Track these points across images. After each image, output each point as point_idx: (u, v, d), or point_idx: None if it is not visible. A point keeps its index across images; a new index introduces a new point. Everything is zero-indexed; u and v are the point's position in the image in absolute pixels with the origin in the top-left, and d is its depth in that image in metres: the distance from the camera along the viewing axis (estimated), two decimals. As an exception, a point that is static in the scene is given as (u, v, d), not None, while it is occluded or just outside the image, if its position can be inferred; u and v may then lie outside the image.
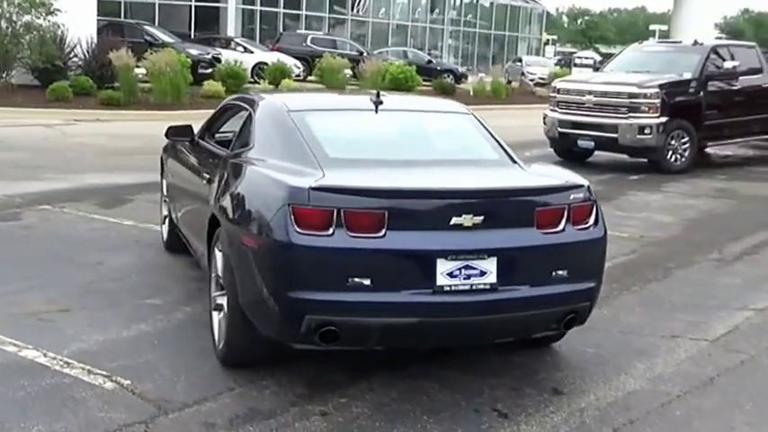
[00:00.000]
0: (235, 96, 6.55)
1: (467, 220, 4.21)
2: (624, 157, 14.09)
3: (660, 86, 13.42)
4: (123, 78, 20.51)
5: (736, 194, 12.10)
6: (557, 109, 14.24)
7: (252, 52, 30.47)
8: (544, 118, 14.50)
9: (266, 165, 4.71)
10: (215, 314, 5.02)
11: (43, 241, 7.66)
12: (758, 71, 15.43)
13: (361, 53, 34.56)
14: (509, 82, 36.21)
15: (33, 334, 5.22)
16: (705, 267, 7.70)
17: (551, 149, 14.59)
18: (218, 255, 4.88)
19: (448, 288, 4.19)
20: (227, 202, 4.74)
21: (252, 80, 26.49)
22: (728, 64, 14.44)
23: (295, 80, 27.37)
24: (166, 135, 6.56)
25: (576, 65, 37.18)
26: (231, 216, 4.62)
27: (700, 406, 4.60)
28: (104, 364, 4.77)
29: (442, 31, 53.83)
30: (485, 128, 5.47)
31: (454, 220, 4.20)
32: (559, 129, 14.05)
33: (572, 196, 4.53)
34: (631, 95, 13.36)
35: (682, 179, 12.98)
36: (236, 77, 24.54)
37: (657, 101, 13.26)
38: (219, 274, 4.86)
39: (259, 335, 4.54)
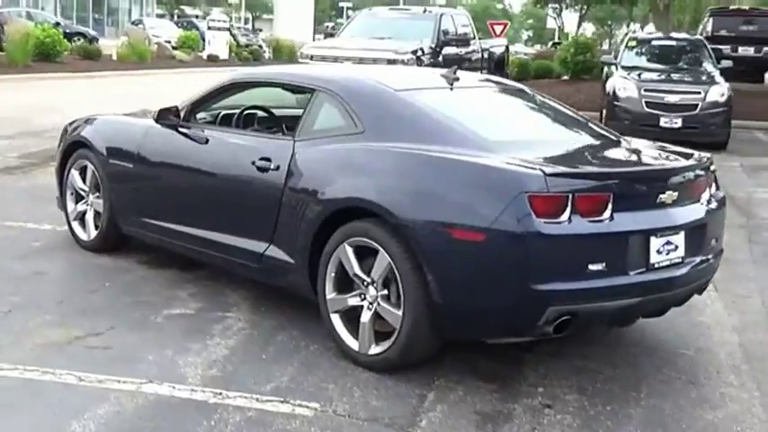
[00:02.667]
0: (250, 74, 5.88)
1: (669, 197, 4.32)
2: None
3: (413, 52, 14.04)
4: None
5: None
6: (311, 75, 14.23)
7: None
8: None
9: (432, 151, 4.36)
10: (336, 317, 4.60)
11: None
12: (473, 38, 16.72)
13: (-15, 13, 31.19)
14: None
15: (115, 365, 4.37)
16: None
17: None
18: (349, 251, 4.45)
19: (657, 265, 4.28)
20: (394, 194, 4.27)
21: None
22: (460, 30, 15.47)
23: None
24: (157, 120, 5.67)
25: (210, 28, 37.09)
26: (417, 210, 4.18)
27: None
28: (257, 389, 4.17)
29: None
30: (553, 102, 5.54)
31: (660, 198, 4.29)
32: (316, 95, 14.08)
33: (712, 168, 4.81)
34: (389, 61, 13.82)
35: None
36: None
37: (413, 66, 13.85)
38: (358, 272, 4.44)
39: (436, 334, 4.27)
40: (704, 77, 15.26)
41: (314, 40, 55.03)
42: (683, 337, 5.20)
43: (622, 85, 14.25)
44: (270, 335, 4.92)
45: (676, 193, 4.36)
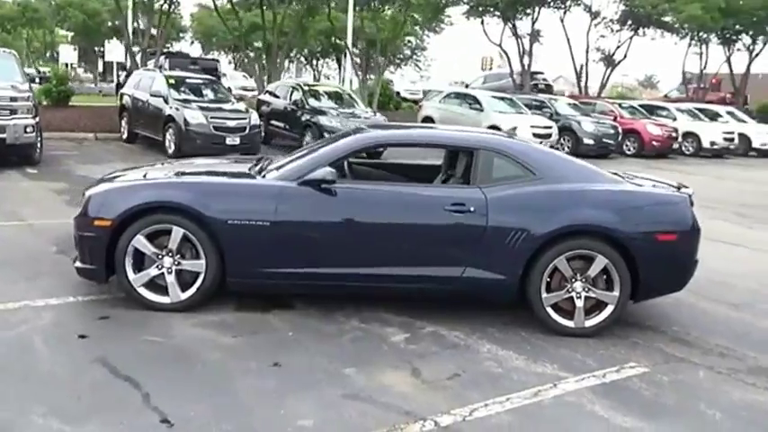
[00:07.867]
0: (392, 136, 5.27)
1: None
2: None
3: (22, 89, 11.63)
4: None
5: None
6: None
7: None
8: None
9: (601, 187, 5.04)
10: (550, 309, 4.95)
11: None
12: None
13: None
14: None
15: (500, 385, 4.14)
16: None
17: None
18: (564, 261, 4.84)
19: None
20: (612, 217, 4.82)
21: None
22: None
23: None
24: (317, 185, 4.78)
25: None
26: (632, 226, 4.84)
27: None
28: (581, 368, 4.45)
29: None
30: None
31: None
32: (-65, 133, 10.72)
33: None
34: (13, 99, 11.25)
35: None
36: None
37: (32, 103, 11.58)
38: (572, 273, 4.87)
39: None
40: (244, 110, 15.23)
41: None
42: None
43: (191, 115, 13.86)
44: (484, 333, 4.92)
45: None
